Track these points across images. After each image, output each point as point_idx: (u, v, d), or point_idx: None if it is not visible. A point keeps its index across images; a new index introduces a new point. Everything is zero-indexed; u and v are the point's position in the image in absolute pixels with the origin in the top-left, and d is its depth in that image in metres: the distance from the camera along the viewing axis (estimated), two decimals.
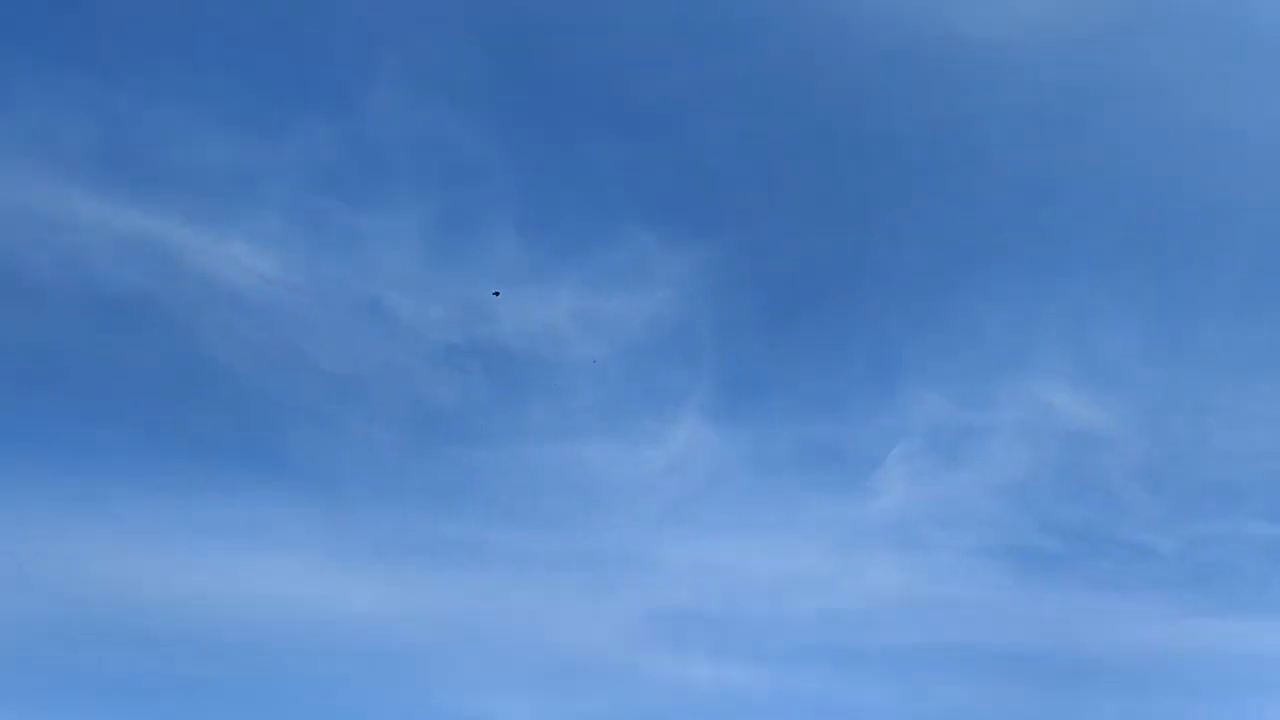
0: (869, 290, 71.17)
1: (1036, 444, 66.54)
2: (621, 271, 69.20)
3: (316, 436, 62.88)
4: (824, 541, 63.46)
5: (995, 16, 72.93)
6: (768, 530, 63.98)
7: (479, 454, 64.31)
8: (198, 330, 64.09)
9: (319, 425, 63.31)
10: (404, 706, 56.35)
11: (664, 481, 64.69)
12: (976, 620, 61.31)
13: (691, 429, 65.94)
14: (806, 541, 63.43)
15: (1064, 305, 70.82)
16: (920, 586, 62.66)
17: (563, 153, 71.64)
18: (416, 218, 68.32)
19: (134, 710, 54.09)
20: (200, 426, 62.06)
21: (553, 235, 69.71)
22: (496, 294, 63.86)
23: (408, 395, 65.09)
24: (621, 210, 70.72)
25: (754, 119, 73.82)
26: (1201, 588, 62.12)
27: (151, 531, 58.86)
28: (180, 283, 64.30)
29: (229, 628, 56.76)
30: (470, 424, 65.11)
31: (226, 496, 60.28)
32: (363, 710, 55.96)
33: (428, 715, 56.31)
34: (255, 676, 55.95)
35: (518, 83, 71.79)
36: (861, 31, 73.10)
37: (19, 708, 52.19)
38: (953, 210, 73.04)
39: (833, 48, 73.41)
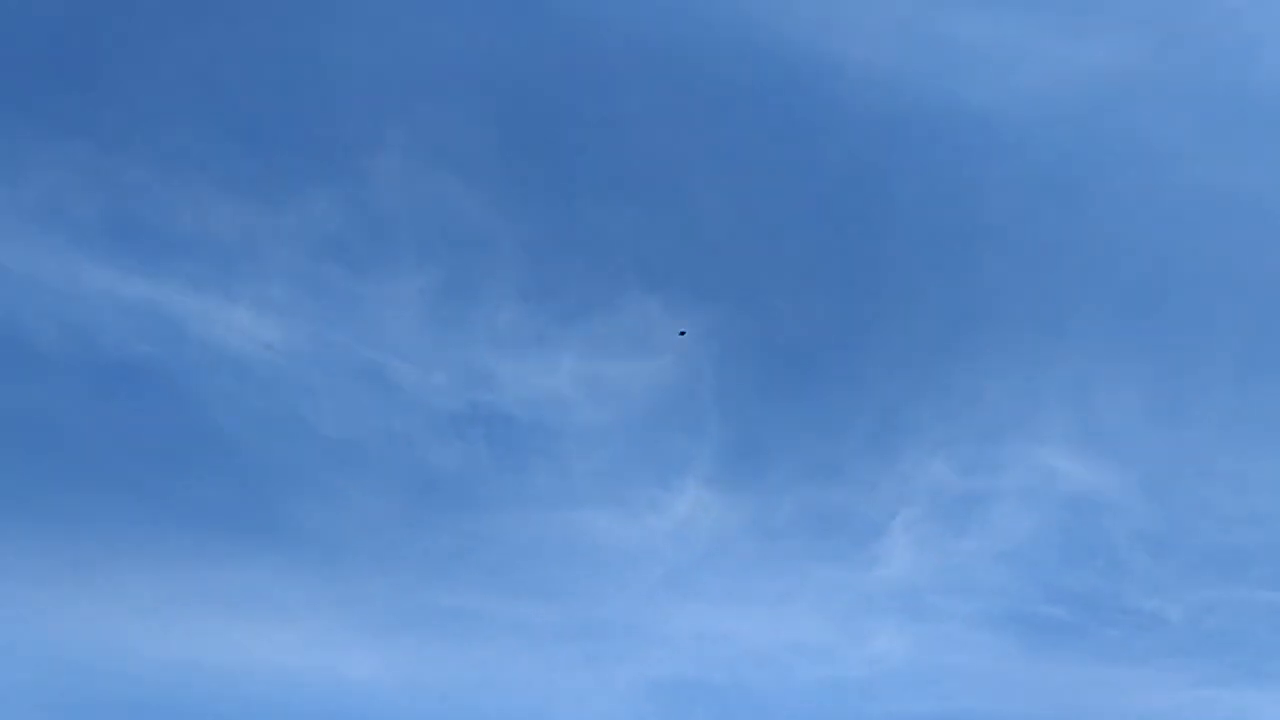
0: (872, 356, 71.13)
1: (1041, 510, 66.16)
2: (624, 338, 69.36)
3: (316, 504, 62.73)
4: (827, 610, 63.02)
5: (995, 85, 73.68)
6: (771, 599, 63.60)
7: (480, 521, 64.09)
8: (199, 397, 64.15)
9: (319, 492, 63.18)
10: None
11: (666, 549, 64.37)
12: (982, 690, 60.69)
13: (694, 496, 65.70)
14: (810, 610, 62.99)
15: (1066, 371, 70.61)
16: (925, 655, 62.20)
17: (565, 220, 72.03)
18: (419, 285, 68.65)
19: None
20: (199, 493, 61.95)
21: (555, 302, 69.91)
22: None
23: (409, 462, 64.98)
24: (624, 277, 70.95)
25: (756, 187, 74.27)
26: (1211, 656, 61.45)
27: (148, 600, 58.67)
28: (183, 350, 64.54)
29: (224, 698, 56.33)
30: (471, 491, 64.92)
31: (223, 564, 60.10)
32: None
33: None
34: None
35: (521, 151, 72.40)
36: (862, 100, 73.73)
37: None
38: (954, 276, 73.16)
39: (834, 117, 74.03)
